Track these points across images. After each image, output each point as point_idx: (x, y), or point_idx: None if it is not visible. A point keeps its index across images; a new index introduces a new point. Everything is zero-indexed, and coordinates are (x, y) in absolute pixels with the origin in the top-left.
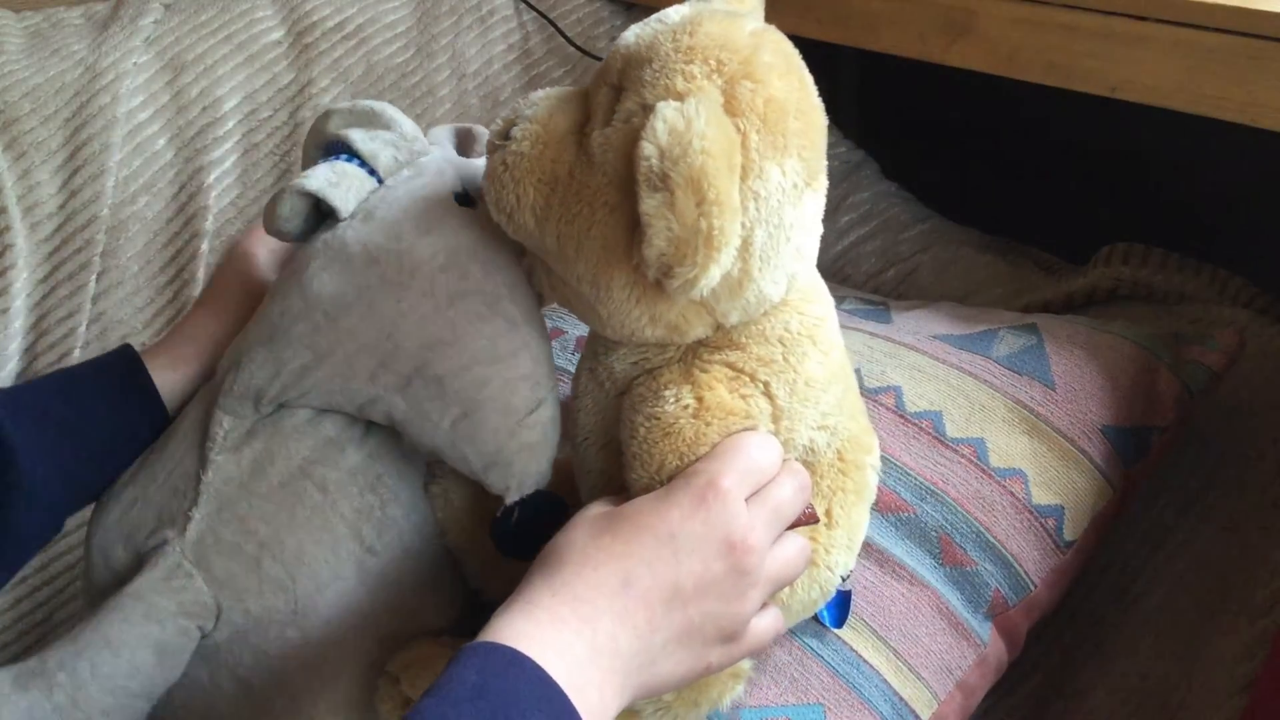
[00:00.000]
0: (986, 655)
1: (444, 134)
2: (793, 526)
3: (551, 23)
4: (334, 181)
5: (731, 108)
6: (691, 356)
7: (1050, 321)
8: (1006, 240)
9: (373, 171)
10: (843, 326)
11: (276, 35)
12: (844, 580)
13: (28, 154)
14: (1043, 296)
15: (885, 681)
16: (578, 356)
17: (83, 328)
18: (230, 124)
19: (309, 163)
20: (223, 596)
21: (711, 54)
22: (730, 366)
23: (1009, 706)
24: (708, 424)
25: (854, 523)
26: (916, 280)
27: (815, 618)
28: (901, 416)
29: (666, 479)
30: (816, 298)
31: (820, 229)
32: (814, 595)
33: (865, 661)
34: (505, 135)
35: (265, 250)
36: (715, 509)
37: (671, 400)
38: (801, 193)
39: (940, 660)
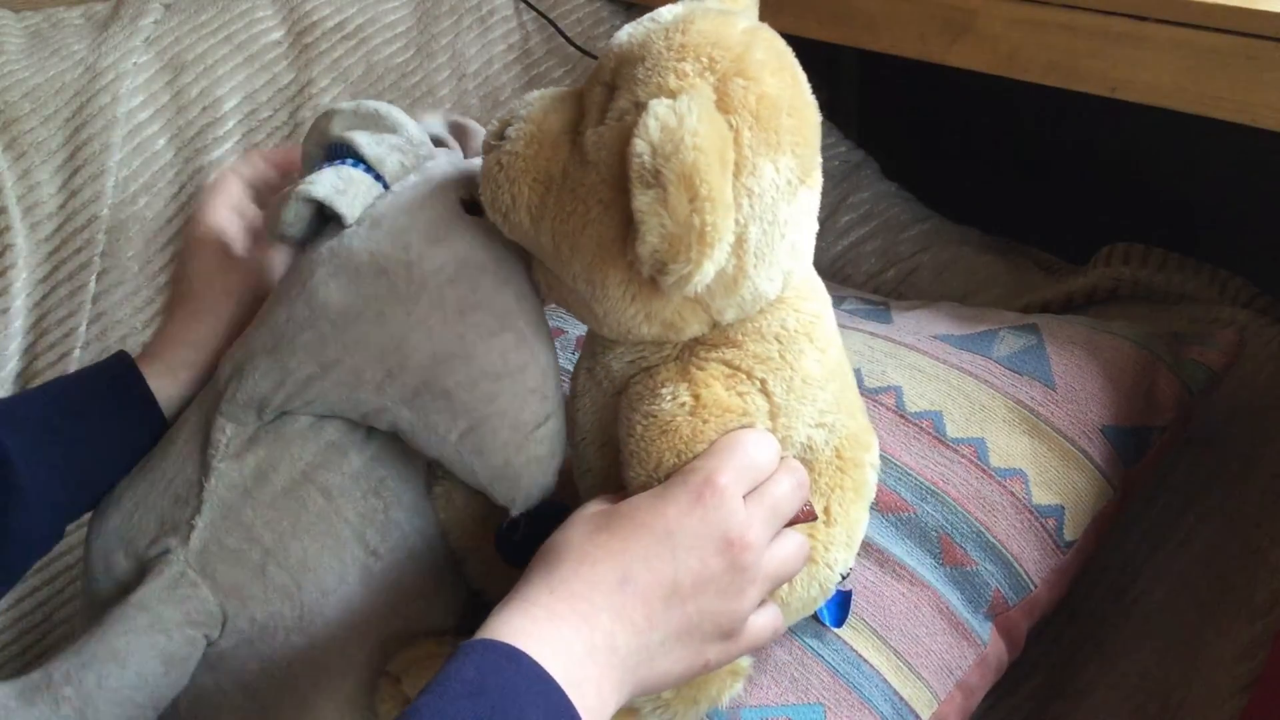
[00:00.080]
0: (987, 655)
1: (437, 122)
2: (791, 524)
3: (551, 23)
4: (340, 189)
5: (724, 105)
6: (688, 354)
7: (1050, 321)
8: (1006, 240)
9: (378, 176)
10: (843, 326)
11: (276, 35)
12: (844, 579)
13: (28, 154)
14: (1043, 296)
15: (885, 681)
16: (578, 356)
17: (83, 328)
18: (230, 124)
19: (309, 162)
20: (228, 604)
21: (704, 52)
22: (727, 364)
23: (1009, 706)
24: (705, 422)
25: (853, 520)
26: (916, 280)
27: (815, 617)
28: (902, 416)
29: (664, 477)
30: (813, 295)
31: (816, 226)
32: (813, 593)
33: (865, 661)
34: (500, 135)
35: (235, 228)
36: (713, 506)
37: (669, 398)
38: (796, 189)
39: (940, 660)
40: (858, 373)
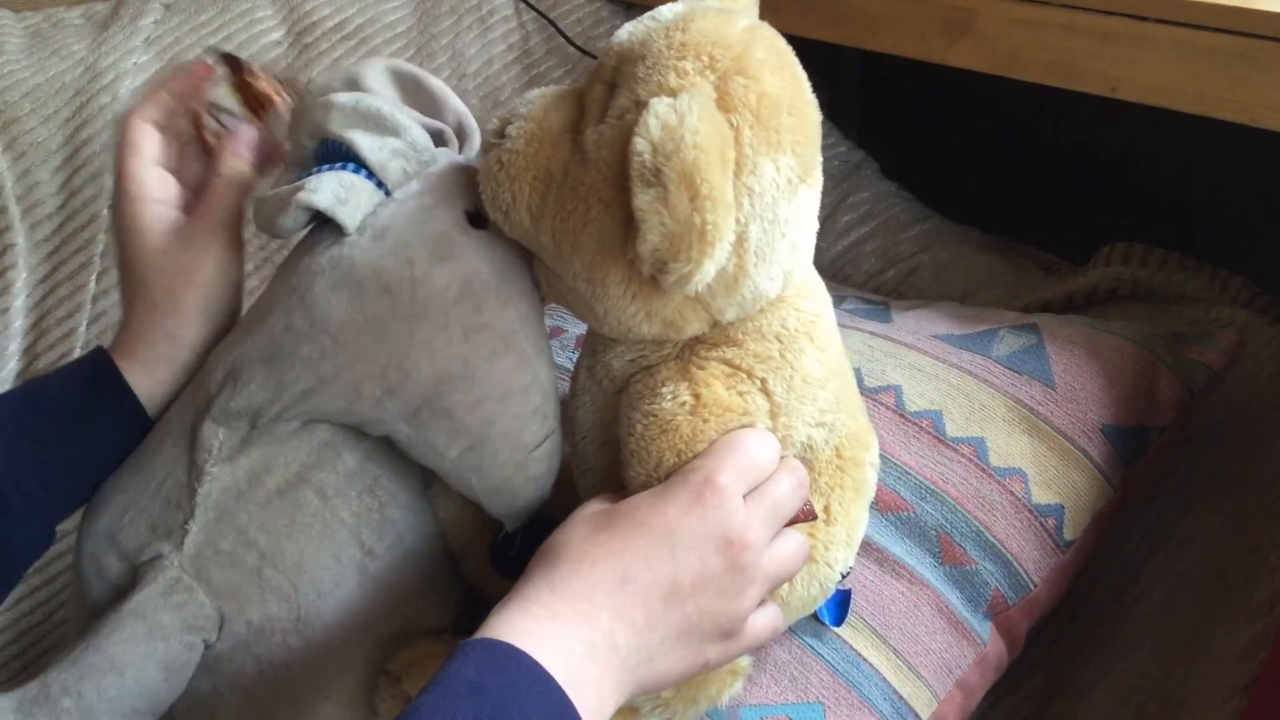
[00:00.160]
0: (986, 654)
1: (380, 76)
2: (791, 523)
3: (551, 23)
4: (343, 198)
5: (724, 104)
6: (689, 353)
7: (1050, 321)
8: (1006, 240)
9: (379, 182)
10: (843, 326)
11: (276, 35)
12: (843, 579)
13: (28, 154)
14: (1043, 296)
15: (885, 680)
16: (577, 355)
17: (83, 328)
18: None
19: (299, 151)
20: (225, 608)
21: (704, 50)
22: (727, 363)
23: (1009, 706)
24: (705, 421)
25: (853, 519)
26: (916, 280)
27: (815, 616)
28: (901, 416)
29: (664, 476)
30: (813, 294)
31: (816, 225)
32: (813, 592)
33: (865, 660)
34: (501, 134)
35: (166, 190)
36: (713, 506)
37: (669, 397)
38: (796, 188)
39: (940, 659)
40: (857, 372)
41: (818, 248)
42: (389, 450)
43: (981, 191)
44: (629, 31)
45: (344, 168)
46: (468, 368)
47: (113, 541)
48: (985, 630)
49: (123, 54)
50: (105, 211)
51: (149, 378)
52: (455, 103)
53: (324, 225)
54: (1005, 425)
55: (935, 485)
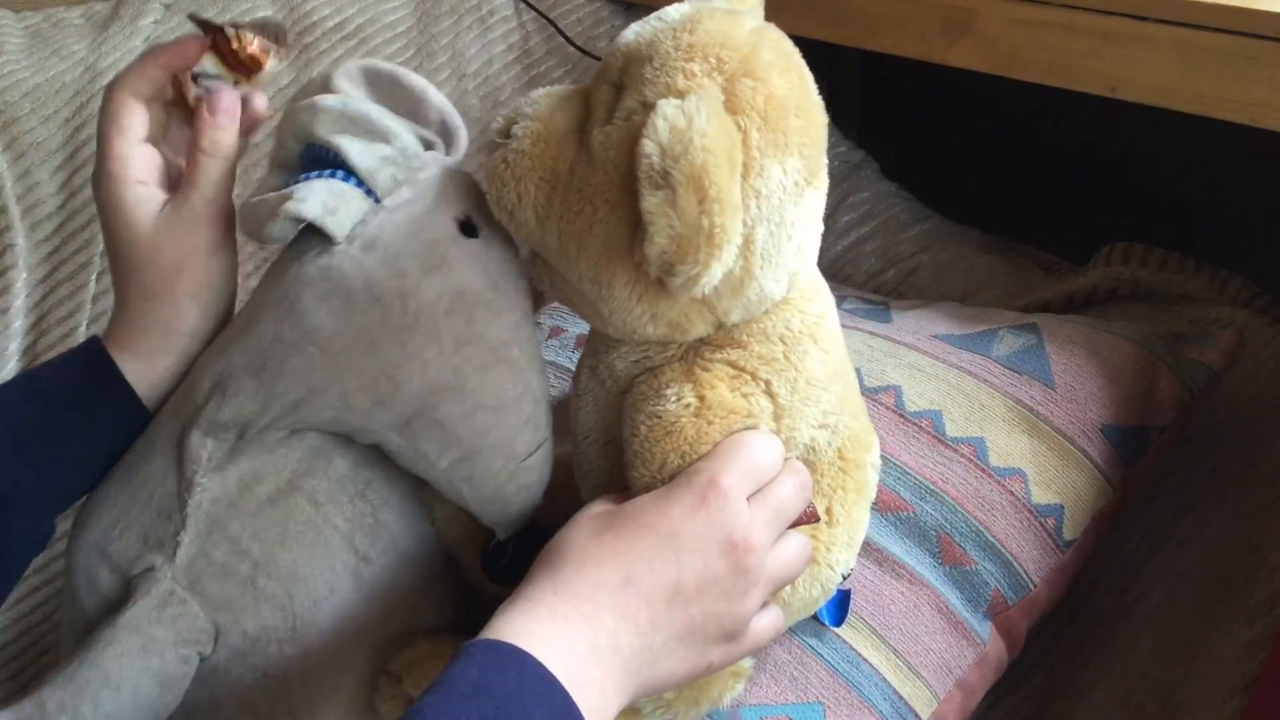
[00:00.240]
0: (986, 654)
1: (352, 77)
2: (794, 525)
3: (551, 23)
4: (332, 208)
5: (732, 105)
6: (693, 355)
7: (1050, 321)
8: (1006, 240)
9: (368, 190)
10: (843, 326)
11: None
12: (844, 579)
13: (28, 154)
14: (1043, 296)
15: (885, 680)
16: (578, 354)
17: (83, 328)
18: None
19: (284, 154)
20: (219, 619)
21: (712, 52)
22: (732, 365)
23: (1009, 706)
24: (709, 423)
25: (854, 521)
26: (916, 280)
27: (815, 616)
28: (901, 416)
29: (668, 478)
30: (817, 296)
31: (821, 227)
32: (815, 593)
33: (865, 660)
34: (506, 133)
35: (152, 169)
36: (716, 508)
37: (673, 399)
38: (803, 191)
39: (940, 659)
40: (857, 372)
41: None
42: (380, 454)
43: (981, 191)
44: (636, 32)
45: (333, 175)
46: (459, 379)
47: (104, 554)
48: (985, 630)
49: (123, 54)
50: None
51: (147, 369)
52: (436, 98)
53: (313, 231)
54: (1005, 425)
55: (935, 485)
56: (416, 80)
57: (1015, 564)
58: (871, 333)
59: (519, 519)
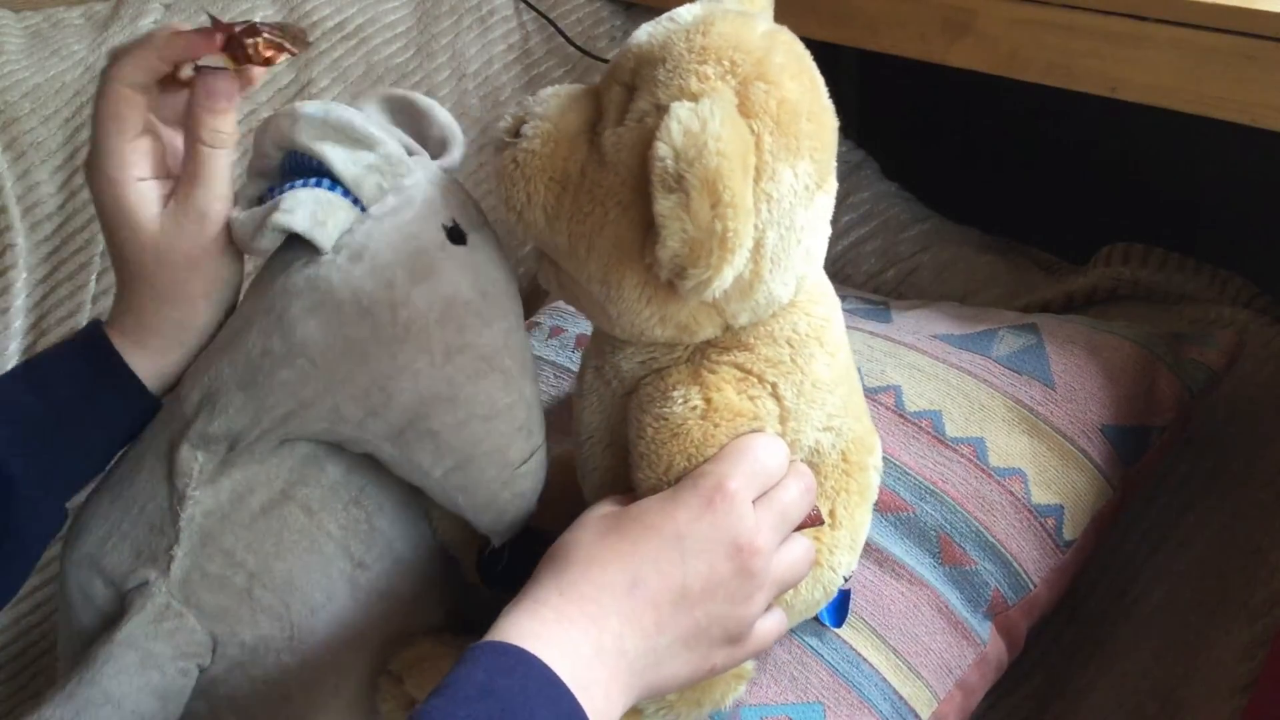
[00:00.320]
0: (986, 654)
1: (373, 107)
2: (798, 528)
3: (551, 23)
4: (320, 220)
5: (745, 109)
6: (700, 357)
7: (1050, 321)
8: (1006, 240)
9: (355, 199)
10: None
11: None
12: (845, 580)
13: (27, 154)
14: (1043, 296)
15: (885, 680)
16: (578, 354)
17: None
18: None
19: (264, 162)
20: (217, 631)
21: (725, 54)
22: (738, 367)
23: (1009, 706)
24: (716, 425)
25: (857, 523)
26: (916, 280)
27: (815, 617)
28: (901, 416)
29: (674, 480)
30: (823, 299)
31: (829, 230)
32: (817, 595)
33: (865, 660)
34: (515, 132)
35: (148, 164)
36: (722, 511)
37: (680, 401)
38: (813, 194)
39: (940, 659)
40: (857, 372)
41: None
42: (374, 460)
43: (981, 191)
44: (648, 33)
45: (319, 184)
46: (452, 388)
47: (97, 568)
48: (985, 630)
49: None
50: None
51: (160, 364)
52: (441, 116)
53: (299, 240)
54: (1005, 425)
55: (935, 485)
56: (425, 100)
57: (1015, 564)
58: (871, 333)
59: (514, 525)
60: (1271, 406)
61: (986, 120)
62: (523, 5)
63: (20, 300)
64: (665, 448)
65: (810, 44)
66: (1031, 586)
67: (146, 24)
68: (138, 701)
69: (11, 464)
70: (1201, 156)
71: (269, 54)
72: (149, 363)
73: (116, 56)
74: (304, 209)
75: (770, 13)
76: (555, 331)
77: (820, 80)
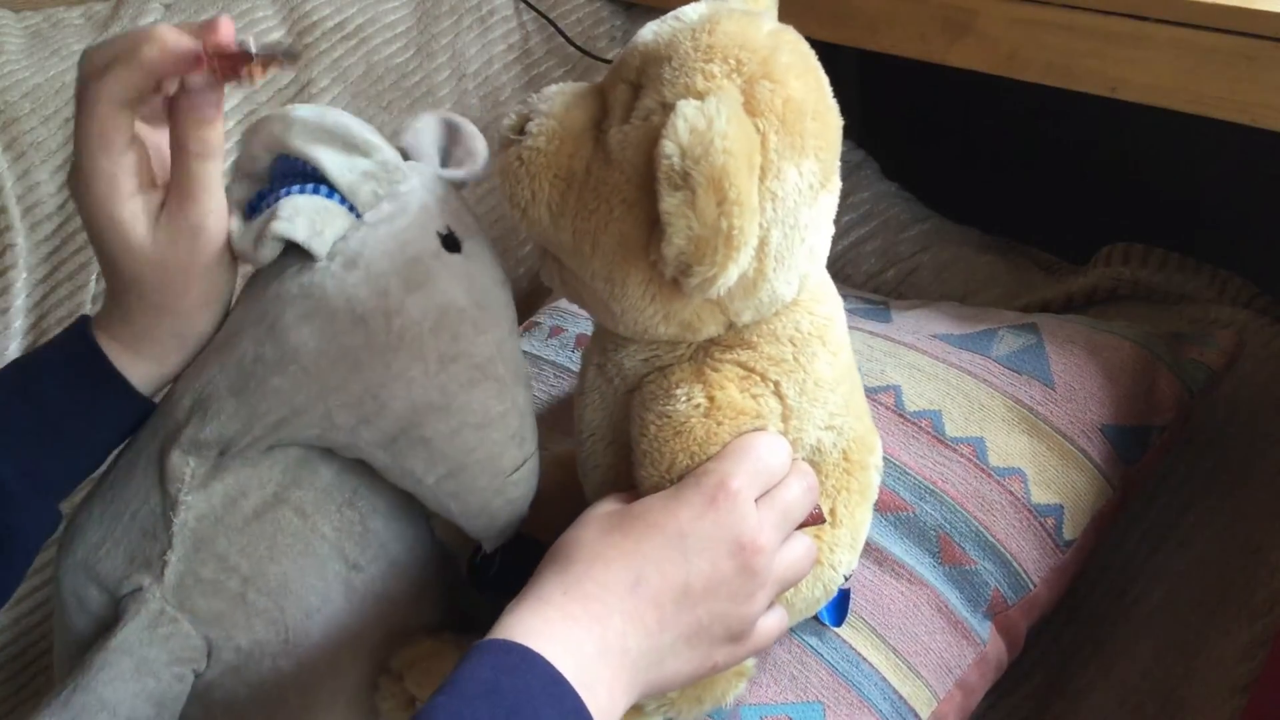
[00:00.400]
0: (986, 654)
1: (430, 128)
2: (800, 527)
3: (551, 23)
4: (318, 230)
5: (751, 108)
6: (703, 355)
7: (1050, 321)
8: (1006, 240)
9: (351, 205)
10: None
11: (276, 35)
12: (845, 579)
13: (27, 154)
14: (1043, 296)
15: (884, 680)
16: (578, 354)
17: None
18: (230, 124)
19: (253, 165)
20: (212, 635)
21: (731, 53)
22: (741, 365)
23: (1009, 706)
24: (719, 423)
25: (857, 522)
26: (916, 280)
27: (815, 616)
28: (901, 415)
29: (677, 478)
30: (826, 298)
31: (832, 229)
32: (818, 594)
33: (864, 660)
34: (520, 130)
35: (131, 197)
36: (725, 510)
37: (683, 399)
38: (817, 193)
39: (939, 659)
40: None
41: None
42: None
43: (981, 191)
44: (654, 31)
45: (316, 190)
46: (445, 397)
47: (91, 573)
48: (985, 630)
49: None
50: None
51: (157, 370)
52: (477, 145)
53: (293, 246)
54: (1004, 425)
55: (934, 485)
56: (469, 125)
57: (1015, 564)
58: (871, 332)
59: (506, 532)
60: (1271, 406)
61: (986, 120)
62: (523, 5)
63: (20, 300)
64: (668, 445)
65: (810, 44)
66: (1031, 586)
67: (146, 24)
68: (133, 708)
69: (2, 467)
70: (1201, 156)
71: (256, 73)
72: (145, 369)
73: (97, 70)
74: (303, 217)
75: (774, 12)
76: (555, 331)
77: (825, 80)
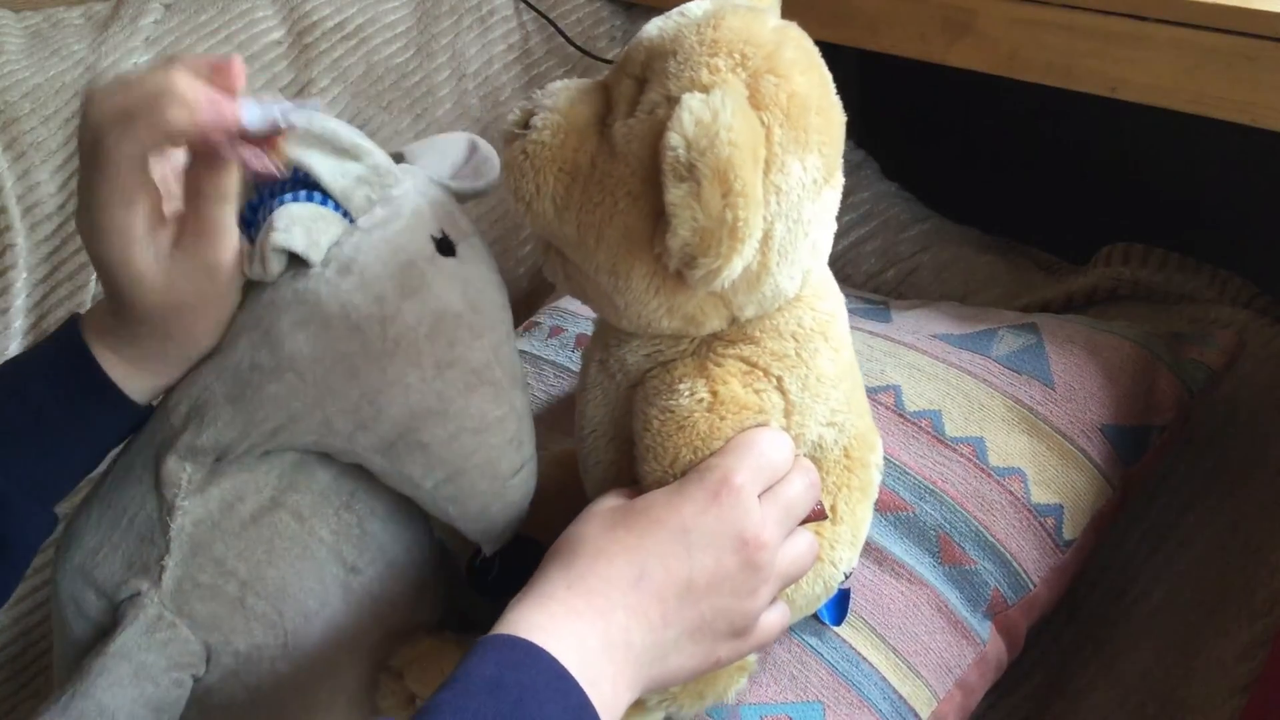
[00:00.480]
0: (986, 654)
1: (459, 144)
2: (802, 523)
3: (551, 23)
4: (315, 240)
5: (755, 101)
6: (706, 350)
7: (1050, 321)
8: (1006, 240)
9: (345, 213)
10: None
11: (276, 35)
12: (845, 578)
13: (27, 154)
14: (1043, 296)
15: (884, 679)
16: (578, 354)
17: None
18: None
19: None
20: (210, 640)
21: (736, 48)
22: (744, 361)
23: (1009, 706)
24: (722, 418)
25: (858, 519)
26: (916, 280)
27: (815, 615)
28: (901, 415)
29: (680, 473)
30: (828, 294)
31: (835, 225)
32: (818, 590)
33: (864, 659)
34: (524, 124)
35: (146, 241)
36: (729, 505)
37: (686, 394)
38: (820, 188)
39: (939, 658)
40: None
41: None
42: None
43: (981, 191)
44: (659, 27)
45: (310, 197)
46: (442, 402)
47: (89, 578)
48: (985, 630)
49: (123, 54)
50: None
51: (156, 382)
52: (483, 146)
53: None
54: (1004, 425)
55: (934, 485)
56: (487, 147)
57: (1015, 564)
58: (871, 332)
59: (504, 535)
60: (1271, 406)
61: (986, 120)
62: (523, 5)
63: (20, 300)
64: (671, 440)
65: None
66: (1031, 586)
67: (147, 24)
68: (132, 713)
69: None
70: (1201, 156)
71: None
72: (144, 381)
73: (111, 120)
74: (299, 226)
75: (778, 9)
76: (555, 331)
77: (829, 76)
